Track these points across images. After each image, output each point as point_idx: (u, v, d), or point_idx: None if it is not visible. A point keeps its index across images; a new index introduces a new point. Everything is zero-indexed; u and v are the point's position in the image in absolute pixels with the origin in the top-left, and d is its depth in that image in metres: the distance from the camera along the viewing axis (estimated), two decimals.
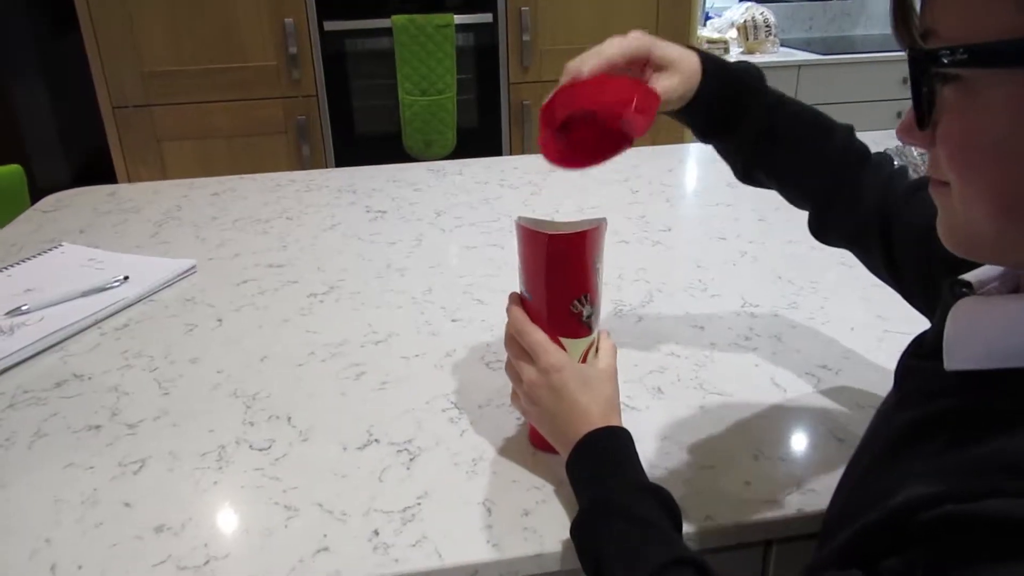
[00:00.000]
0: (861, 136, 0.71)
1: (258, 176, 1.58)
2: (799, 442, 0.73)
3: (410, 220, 1.32)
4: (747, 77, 0.70)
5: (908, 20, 0.40)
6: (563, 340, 0.65)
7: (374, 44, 2.42)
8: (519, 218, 0.65)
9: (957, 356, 0.43)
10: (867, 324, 0.92)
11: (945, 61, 0.37)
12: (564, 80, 0.62)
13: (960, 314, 0.43)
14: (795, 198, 0.75)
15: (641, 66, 0.65)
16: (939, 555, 0.36)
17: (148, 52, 2.32)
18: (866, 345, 0.88)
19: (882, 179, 0.69)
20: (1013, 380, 0.40)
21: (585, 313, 0.65)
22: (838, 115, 0.72)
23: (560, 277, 0.64)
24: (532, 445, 0.72)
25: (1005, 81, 0.36)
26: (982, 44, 0.36)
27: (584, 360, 0.67)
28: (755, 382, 0.82)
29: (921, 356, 0.49)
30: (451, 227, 1.29)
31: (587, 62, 0.61)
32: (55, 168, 3.82)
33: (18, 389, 0.85)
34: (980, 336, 0.41)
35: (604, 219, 0.64)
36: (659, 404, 0.79)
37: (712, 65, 0.68)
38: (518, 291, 0.68)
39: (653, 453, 0.71)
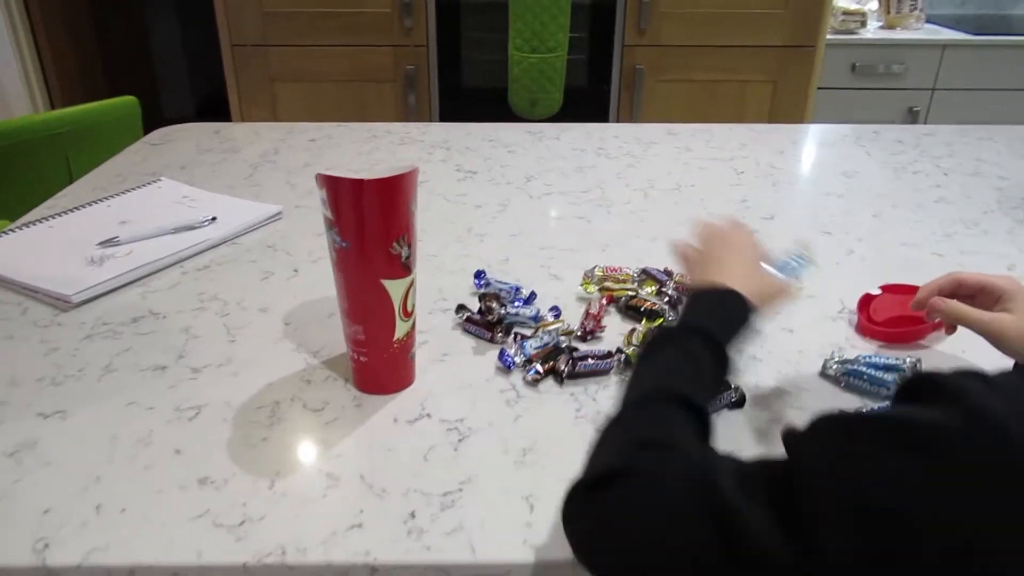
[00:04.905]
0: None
1: (355, 125, 1.57)
2: None
3: (499, 183, 1.29)
4: None
5: None
6: (384, 283, 0.69)
7: None
8: (322, 173, 0.66)
9: None
10: (984, 348, 0.82)
11: None
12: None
13: None
14: None
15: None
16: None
17: None
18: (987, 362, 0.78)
19: None
20: None
21: (404, 254, 0.69)
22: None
23: (380, 221, 0.66)
24: (358, 389, 0.75)
25: None
26: None
27: (405, 302, 0.70)
28: (842, 400, 0.75)
29: None
30: (540, 194, 1.24)
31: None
32: (182, 101, 3.99)
33: (98, 321, 0.87)
34: None
35: (416, 167, 0.69)
36: (733, 414, 0.73)
37: None
38: (339, 245, 0.68)
39: None
